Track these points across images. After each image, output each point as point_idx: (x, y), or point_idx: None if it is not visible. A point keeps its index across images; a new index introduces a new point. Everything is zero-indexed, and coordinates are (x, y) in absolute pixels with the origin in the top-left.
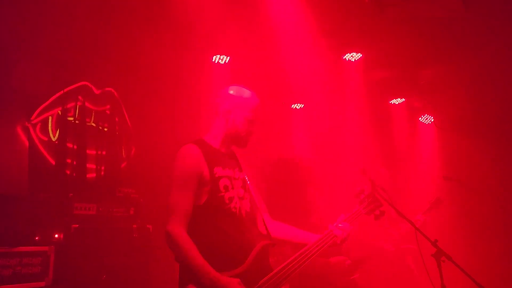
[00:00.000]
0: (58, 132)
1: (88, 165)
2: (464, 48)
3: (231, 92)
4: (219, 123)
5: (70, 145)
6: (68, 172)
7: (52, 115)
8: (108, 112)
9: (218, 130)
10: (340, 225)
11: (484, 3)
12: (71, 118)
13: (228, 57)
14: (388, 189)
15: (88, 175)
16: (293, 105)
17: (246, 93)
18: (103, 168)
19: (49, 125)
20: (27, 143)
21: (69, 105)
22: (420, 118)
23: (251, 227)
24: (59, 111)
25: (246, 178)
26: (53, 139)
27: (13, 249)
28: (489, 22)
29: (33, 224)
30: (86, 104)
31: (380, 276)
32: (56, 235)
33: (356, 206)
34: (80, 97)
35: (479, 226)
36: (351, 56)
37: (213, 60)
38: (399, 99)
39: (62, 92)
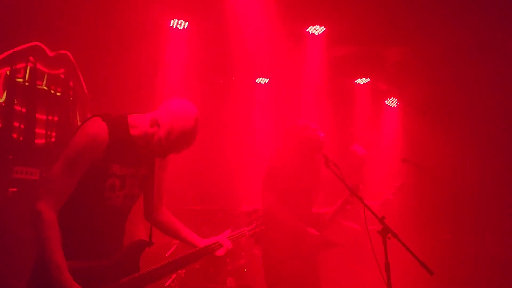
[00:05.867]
0: (5, 93)
1: (37, 130)
2: (431, 31)
3: (177, 111)
4: (150, 120)
5: (18, 107)
6: (15, 136)
7: None
8: (62, 76)
9: (146, 123)
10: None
11: None
12: (21, 80)
13: (187, 23)
14: (364, 165)
15: (37, 141)
16: (257, 80)
17: (191, 120)
18: (53, 134)
19: None
20: None
21: (18, 66)
22: (386, 101)
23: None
24: (7, 71)
25: (153, 174)
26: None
27: None
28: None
29: None
30: (38, 66)
31: (344, 255)
32: None
33: (243, 227)
34: (31, 58)
35: (431, 209)
36: (314, 29)
37: (170, 25)
38: (364, 79)
39: (11, 51)
